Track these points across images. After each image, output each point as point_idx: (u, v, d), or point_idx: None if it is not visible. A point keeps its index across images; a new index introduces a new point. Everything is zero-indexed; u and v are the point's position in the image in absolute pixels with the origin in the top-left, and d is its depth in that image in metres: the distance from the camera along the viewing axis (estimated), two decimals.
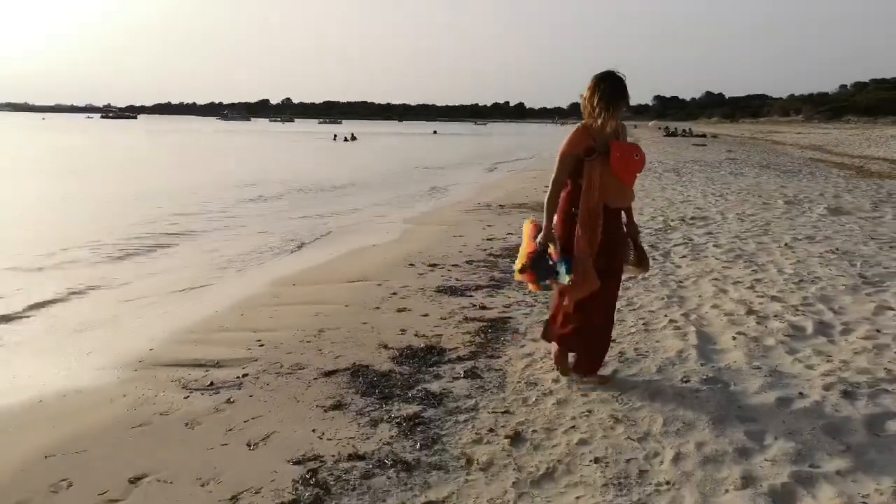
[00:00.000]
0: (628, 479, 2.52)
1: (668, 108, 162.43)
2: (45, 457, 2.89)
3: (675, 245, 7.03)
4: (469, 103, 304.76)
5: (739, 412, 3.04)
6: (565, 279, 3.28)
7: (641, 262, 3.54)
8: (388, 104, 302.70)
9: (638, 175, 3.38)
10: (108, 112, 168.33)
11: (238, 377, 3.74)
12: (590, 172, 3.23)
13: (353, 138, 50.30)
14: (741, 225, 8.16)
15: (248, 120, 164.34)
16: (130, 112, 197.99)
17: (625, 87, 3.23)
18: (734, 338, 4.00)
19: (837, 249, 6.50)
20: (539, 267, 3.39)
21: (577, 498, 2.42)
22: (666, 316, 4.55)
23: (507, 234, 8.28)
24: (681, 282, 5.50)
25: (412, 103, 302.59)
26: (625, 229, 3.47)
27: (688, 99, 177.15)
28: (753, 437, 2.78)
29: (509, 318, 4.72)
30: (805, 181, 14.17)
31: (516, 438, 2.91)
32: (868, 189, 12.48)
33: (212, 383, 3.67)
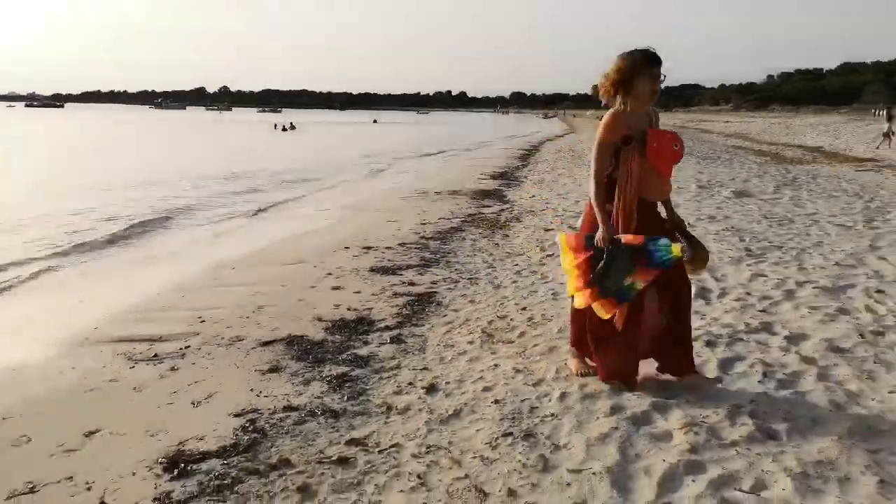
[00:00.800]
0: (521, 413, 3.00)
1: None
2: (3, 419, 3.17)
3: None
4: (412, 92, 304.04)
5: None
6: (675, 250, 2.90)
7: (698, 255, 3.21)
8: (329, 93, 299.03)
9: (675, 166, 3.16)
10: (33, 101, 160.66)
11: (181, 349, 4.07)
12: (628, 163, 2.97)
13: (293, 127, 49.87)
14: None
15: (184, 109, 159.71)
16: (57, 101, 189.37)
17: (657, 57, 2.98)
18: None
19: (732, 227, 7.23)
20: (610, 270, 2.97)
21: (478, 430, 2.88)
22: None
23: (440, 218, 8.73)
24: None
25: (354, 92, 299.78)
26: (665, 225, 3.18)
27: None
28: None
29: (435, 292, 5.17)
30: (722, 167, 15.13)
31: (431, 389, 3.35)
32: (776, 174, 13.50)
33: (156, 355, 3.99)
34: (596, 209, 3.06)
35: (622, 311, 3.02)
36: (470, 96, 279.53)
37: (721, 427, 2.77)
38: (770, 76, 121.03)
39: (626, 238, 2.97)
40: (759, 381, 3.21)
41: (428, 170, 18.90)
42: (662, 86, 3.06)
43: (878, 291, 4.70)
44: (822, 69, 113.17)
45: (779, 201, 9.39)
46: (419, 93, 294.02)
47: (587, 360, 3.39)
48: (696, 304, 4.50)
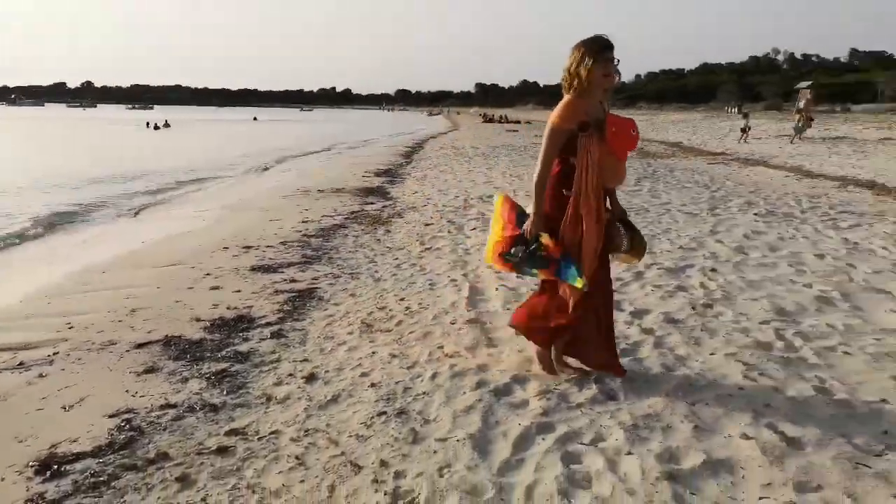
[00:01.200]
0: (395, 394, 3.22)
1: (489, 96, 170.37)
2: None
3: (469, 219, 8.00)
4: (295, 89, 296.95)
5: (488, 341, 3.89)
6: (577, 283, 3.02)
7: (636, 247, 3.27)
8: (206, 89, 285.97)
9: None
10: None
11: (49, 356, 3.94)
12: (586, 148, 2.95)
13: (167, 125, 47.44)
14: (527, 201, 9.36)
15: (42, 105, 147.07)
16: None
17: (610, 43, 2.98)
18: (497, 289, 4.91)
19: None
20: (525, 258, 3.11)
21: (354, 412, 3.07)
22: (449, 276, 5.38)
23: (323, 216, 8.79)
24: (468, 250, 6.40)
25: (233, 88, 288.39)
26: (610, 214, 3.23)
27: (507, 87, 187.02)
28: (493, 356, 3.62)
29: (316, 288, 5.28)
30: None
31: (311, 378, 3.50)
32: (639, 167, 14.60)
33: (21, 363, 3.85)
34: (535, 194, 3.09)
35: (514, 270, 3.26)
36: (354, 93, 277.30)
37: (570, 392, 3.13)
38: (638, 76, 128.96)
39: (546, 241, 3.04)
40: None
41: (311, 168, 18.73)
42: (618, 79, 3.03)
43: (712, 270, 5.35)
44: (683, 69, 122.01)
45: (638, 193, 10.23)
46: (302, 90, 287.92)
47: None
48: None
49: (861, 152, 17.66)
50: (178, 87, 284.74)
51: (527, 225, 3.11)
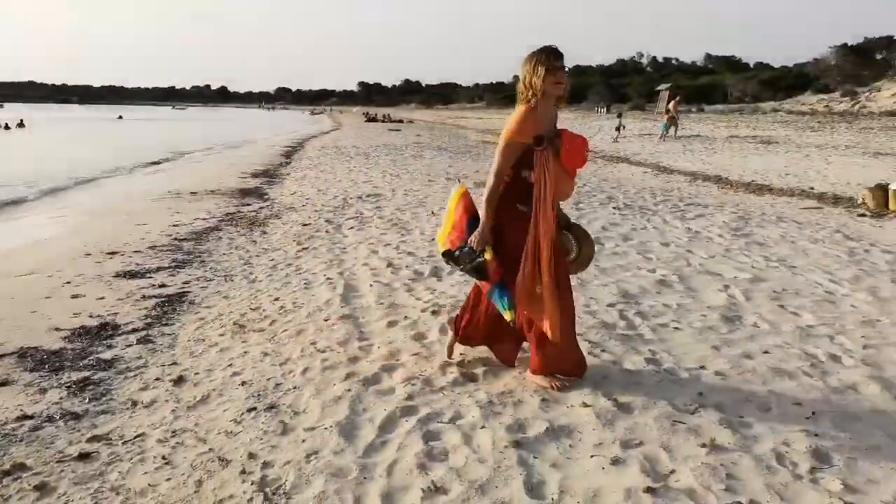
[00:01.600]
0: (266, 390, 3.30)
1: (372, 95, 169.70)
2: None
3: (347, 219, 8.09)
4: (166, 86, 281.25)
5: (360, 334, 4.03)
6: (506, 314, 3.09)
7: (584, 252, 3.30)
8: (64, 85, 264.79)
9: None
10: None
11: None
12: (544, 164, 2.92)
13: (21, 125, 43.54)
14: (405, 199, 9.61)
15: None
16: None
17: (560, 52, 2.99)
18: (371, 285, 5.07)
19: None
20: (466, 266, 3.09)
21: (224, 411, 3.12)
22: (325, 275, 5.47)
23: (195, 219, 8.55)
24: (344, 248, 6.50)
25: (95, 84, 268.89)
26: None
27: (390, 86, 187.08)
28: (363, 349, 3.78)
29: (187, 292, 5.19)
30: (470, 161, 16.64)
31: (179, 381, 3.49)
32: None
33: None
34: (484, 207, 3.02)
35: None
36: (232, 91, 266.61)
37: (434, 377, 3.35)
38: (515, 76, 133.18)
39: (489, 259, 3.03)
40: None
41: (183, 169, 17.97)
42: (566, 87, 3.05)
43: None
44: None
45: None
46: (174, 87, 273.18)
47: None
48: (430, 282, 5.17)
49: (711, 149, 19.39)
50: (31, 83, 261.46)
51: (474, 236, 3.05)
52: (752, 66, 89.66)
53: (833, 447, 2.62)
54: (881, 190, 9.30)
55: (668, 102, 27.48)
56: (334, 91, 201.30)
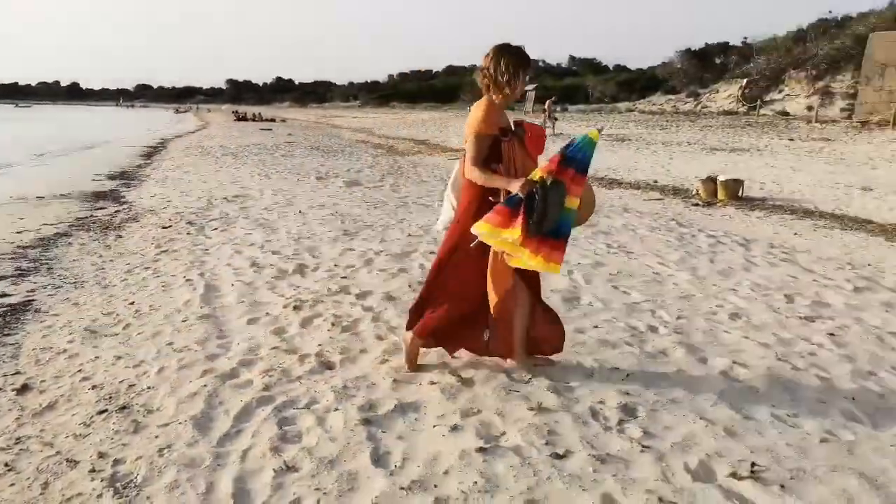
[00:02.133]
0: (118, 392, 3.28)
1: (242, 93, 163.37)
2: None
3: (211, 220, 7.93)
4: (7, 82, 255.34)
5: (219, 333, 4.06)
6: (593, 134, 2.92)
7: (585, 192, 3.20)
8: None
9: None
10: None
11: None
12: (511, 155, 3.03)
13: None
14: (273, 199, 9.54)
15: None
16: None
17: (527, 54, 3.12)
18: (233, 285, 5.07)
19: (337, 212, 8.30)
20: (545, 213, 2.83)
21: (73, 415, 3.07)
22: (185, 277, 5.39)
23: (43, 224, 8.03)
24: (206, 250, 6.40)
25: None
26: None
27: (261, 84, 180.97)
28: (223, 347, 3.82)
29: (32, 300, 4.93)
30: (342, 160, 16.65)
31: (24, 389, 3.37)
32: (386, 164, 15.45)
33: None
34: (492, 183, 3.01)
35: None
36: (85, 88, 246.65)
37: (292, 368, 3.48)
38: (391, 76, 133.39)
39: (541, 171, 2.90)
40: (327, 331, 4.02)
41: (28, 173, 16.59)
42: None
43: (432, 253, 6.08)
44: (431, 70, 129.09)
45: (381, 188, 10.94)
46: (17, 83, 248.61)
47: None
48: (294, 279, 5.25)
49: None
50: None
51: (517, 188, 2.89)
52: (611, 68, 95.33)
53: (640, 402, 3.04)
54: (711, 181, 10.41)
55: (544, 103, 28.79)
56: (201, 89, 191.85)
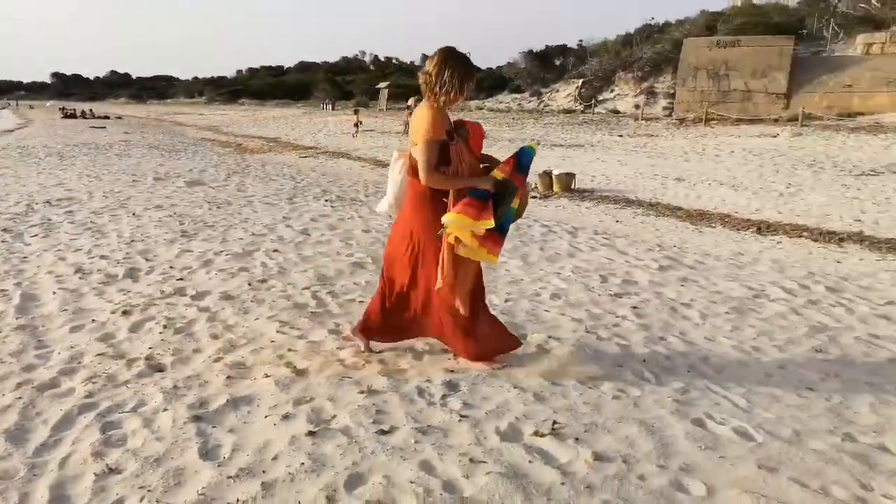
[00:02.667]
0: None
1: (70, 88, 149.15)
2: None
3: (30, 226, 7.31)
4: None
5: (38, 343, 3.83)
6: (534, 145, 3.27)
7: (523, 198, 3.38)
8: None
9: None
10: None
11: None
12: (460, 157, 3.11)
13: None
14: (104, 202, 8.95)
15: None
16: None
17: (473, 65, 3.16)
18: (54, 293, 4.77)
19: (176, 213, 7.98)
20: (501, 205, 3.08)
21: None
22: None
23: None
24: (25, 257, 5.92)
25: None
26: None
27: (92, 78, 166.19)
28: (41, 357, 3.62)
29: None
30: (185, 159, 15.87)
31: None
32: (233, 163, 14.94)
33: None
34: (457, 185, 3.09)
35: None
36: None
37: (119, 373, 3.38)
38: (239, 71, 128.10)
39: (500, 172, 3.11)
40: (159, 334, 3.93)
41: None
42: None
43: (275, 251, 6.07)
44: (283, 66, 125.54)
45: (226, 187, 10.62)
46: None
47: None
48: (124, 284, 5.03)
49: None
50: None
51: (486, 186, 3.08)
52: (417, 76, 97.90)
53: (462, 378, 3.30)
54: (547, 175, 11.18)
55: (407, 100, 28.99)
56: (21, 83, 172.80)
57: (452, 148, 3.10)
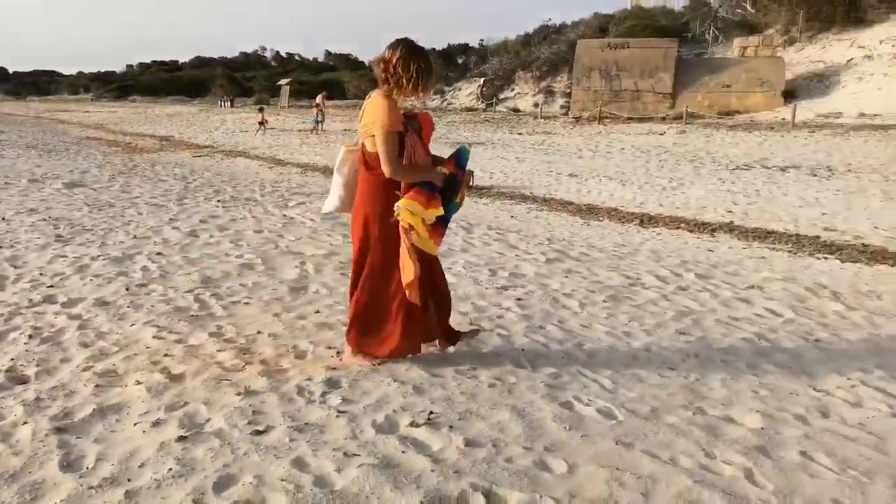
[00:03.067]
0: None
1: None
2: None
3: None
4: None
5: None
6: (467, 146, 3.49)
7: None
8: None
9: None
10: None
11: None
12: (414, 149, 3.16)
13: None
14: None
15: None
16: None
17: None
18: None
19: (50, 217, 7.51)
20: (450, 198, 3.27)
21: None
22: None
23: None
24: None
25: None
26: None
27: None
28: None
29: None
30: (65, 160, 14.91)
31: None
32: (119, 163, 14.19)
33: None
34: (417, 178, 3.15)
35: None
36: None
37: None
38: (129, 66, 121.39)
39: (447, 168, 3.26)
40: (24, 344, 3.71)
41: None
42: None
43: (158, 254, 5.84)
44: (178, 61, 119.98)
45: (109, 189, 10.08)
46: None
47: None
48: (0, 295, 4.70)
49: (326, 142, 20.85)
50: None
51: (438, 179, 3.20)
52: (367, 64, 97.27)
53: (343, 375, 3.33)
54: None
55: (316, 98, 28.29)
56: None
57: (407, 139, 3.14)
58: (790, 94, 24.98)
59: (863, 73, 24.53)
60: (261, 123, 25.12)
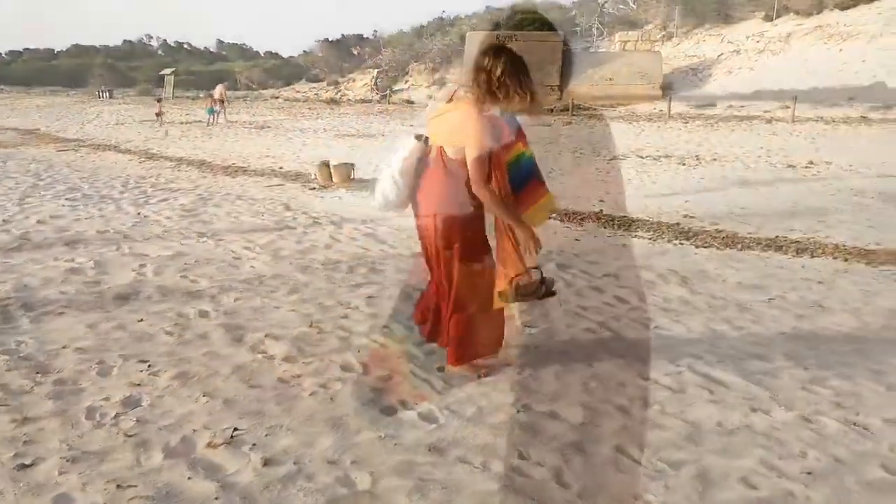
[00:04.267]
0: None
1: None
2: None
3: None
4: None
5: None
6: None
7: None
8: None
9: None
10: None
11: None
12: (498, 160, 2.96)
13: None
14: None
15: None
16: None
17: None
18: None
19: None
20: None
21: None
22: None
23: None
24: None
25: None
26: None
27: None
28: None
29: None
30: None
31: None
32: None
33: None
34: (503, 214, 3.00)
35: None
36: None
37: None
38: None
39: (521, 147, 3.05)
40: None
41: None
42: None
43: None
44: (54, 49, 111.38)
45: None
46: None
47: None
48: None
49: (206, 135, 19.86)
50: None
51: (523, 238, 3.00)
52: (262, 54, 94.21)
53: (146, 392, 3.01)
54: (326, 166, 10.98)
55: (215, 88, 26.68)
56: None
57: (494, 153, 2.93)
58: (668, 87, 26.26)
59: (731, 67, 26.18)
60: (157, 115, 23.92)
